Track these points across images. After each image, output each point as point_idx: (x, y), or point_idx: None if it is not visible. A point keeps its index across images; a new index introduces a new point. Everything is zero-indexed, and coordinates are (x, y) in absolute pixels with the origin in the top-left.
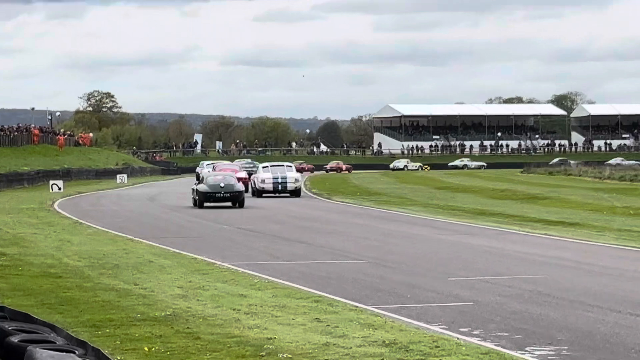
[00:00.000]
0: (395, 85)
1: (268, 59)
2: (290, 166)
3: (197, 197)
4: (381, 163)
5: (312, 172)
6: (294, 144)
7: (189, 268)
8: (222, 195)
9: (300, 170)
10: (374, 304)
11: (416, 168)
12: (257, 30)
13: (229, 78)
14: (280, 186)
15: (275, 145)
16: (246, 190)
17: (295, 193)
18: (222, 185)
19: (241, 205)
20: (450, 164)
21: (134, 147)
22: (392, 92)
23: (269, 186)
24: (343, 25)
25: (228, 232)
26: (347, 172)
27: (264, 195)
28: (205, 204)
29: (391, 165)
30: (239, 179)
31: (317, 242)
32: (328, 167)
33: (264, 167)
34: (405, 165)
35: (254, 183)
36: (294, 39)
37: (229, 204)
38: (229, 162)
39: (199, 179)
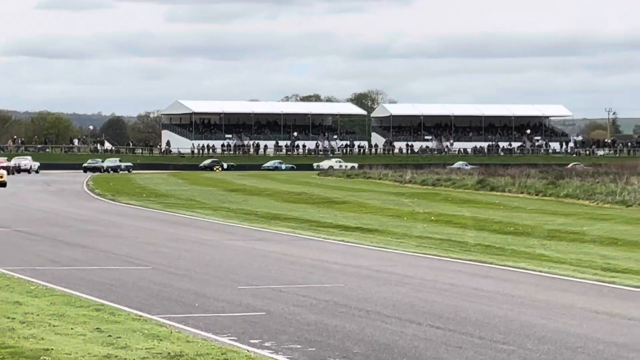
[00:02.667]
0: (187, 80)
1: (52, 49)
2: None
3: None
4: (170, 163)
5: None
6: (76, 141)
7: None
8: None
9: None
10: (159, 313)
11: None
12: (40, 18)
13: (8, 69)
14: None
15: (56, 142)
16: None
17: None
18: None
19: None
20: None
21: None
22: (184, 88)
23: None
24: (134, 14)
25: (4, 234)
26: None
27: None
28: None
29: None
30: None
31: (100, 247)
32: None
33: None
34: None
35: None
36: (80, 29)
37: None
38: None
39: None
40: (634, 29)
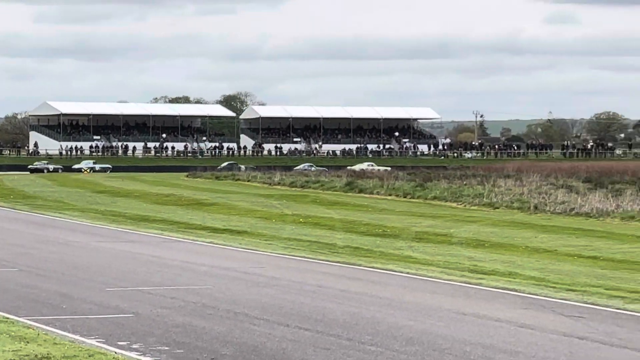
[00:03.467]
0: (56, 81)
1: None
2: None
3: None
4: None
5: None
6: None
7: None
8: None
9: None
10: (26, 315)
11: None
12: None
13: None
14: None
15: None
16: None
17: None
18: None
19: None
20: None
21: None
22: (52, 89)
23: None
24: (1, 15)
25: None
26: None
27: None
28: None
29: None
30: None
31: None
32: None
33: None
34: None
35: None
36: None
37: None
38: None
39: None
40: (502, 32)
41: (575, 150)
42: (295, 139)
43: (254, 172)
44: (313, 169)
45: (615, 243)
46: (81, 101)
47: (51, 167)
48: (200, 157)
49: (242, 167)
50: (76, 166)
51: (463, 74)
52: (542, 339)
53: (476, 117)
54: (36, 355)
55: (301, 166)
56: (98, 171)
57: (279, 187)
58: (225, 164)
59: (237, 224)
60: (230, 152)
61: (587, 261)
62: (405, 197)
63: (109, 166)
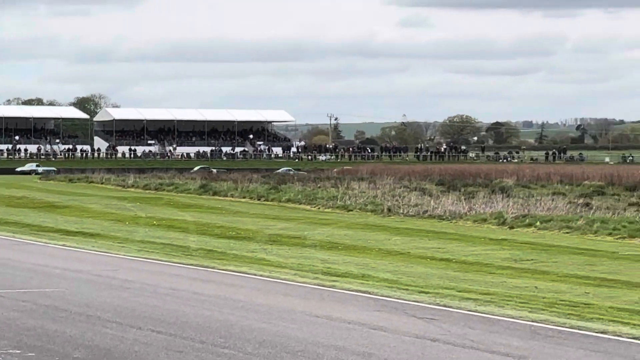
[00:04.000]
0: None
1: None
2: None
3: None
4: None
5: None
6: None
7: None
8: None
9: None
10: None
11: None
12: None
13: None
14: None
15: None
16: None
17: None
18: None
19: None
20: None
21: None
22: None
23: None
24: None
25: None
26: None
27: None
28: None
29: None
30: None
31: None
32: None
33: None
34: None
35: None
36: None
37: None
38: None
39: None
40: (356, 35)
41: (429, 153)
42: (149, 142)
43: (107, 174)
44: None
45: (468, 245)
46: None
47: None
48: (53, 159)
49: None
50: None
51: (318, 77)
52: (394, 341)
53: (330, 120)
54: None
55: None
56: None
57: (132, 189)
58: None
59: (90, 227)
60: (84, 154)
61: (440, 263)
62: (259, 199)
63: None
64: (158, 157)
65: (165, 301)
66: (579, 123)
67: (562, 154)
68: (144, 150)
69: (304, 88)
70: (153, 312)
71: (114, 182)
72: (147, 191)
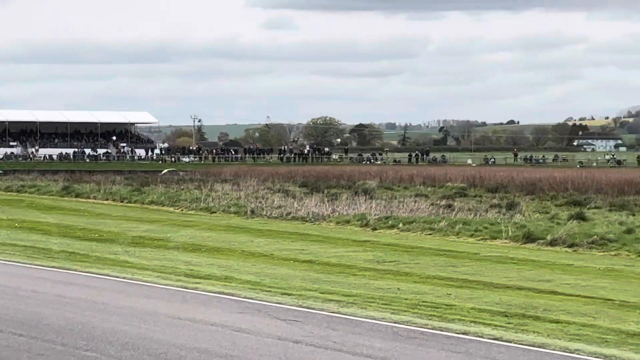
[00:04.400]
0: None
1: None
2: None
3: None
4: None
5: None
6: None
7: None
8: None
9: None
10: None
11: None
12: None
13: None
14: None
15: None
16: None
17: None
18: None
19: None
20: None
21: None
22: None
23: None
24: None
25: None
26: None
27: None
28: None
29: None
30: None
31: None
32: None
33: None
34: None
35: None
36: None
37: None
38: None
39: None
40: (220, 37)
41: (293, 155)
42: (11, 143)
43: None
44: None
45: (331, 247)
46: None
47: None
48: None
49: None
50: None
51: (182, 79)
52: (257, 343)
53: (194, 121)
54: None
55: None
56: None
57: None
58: None
59: None
60: None
61: (303, 265)
62: (122, 201)
63: None
64: (20, 159)
65: (26, 304)
66: (441, 125)
67: (425, 156)
68: (6, 152)
69: (168, 90)
70: (14, 315)
71: None
72: (9, 193)
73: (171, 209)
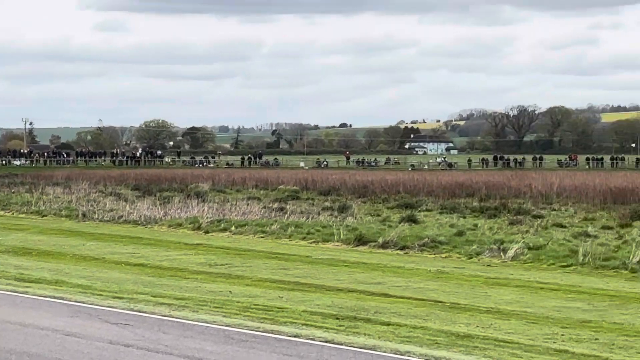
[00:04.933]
0: None
1: None
2: None
3: None
4: None
5: None
6: None
7: None
8: None
9: None
10: None
11: None
12: None
13: None
14: None
15: None
16: None
17: None
18: None
19: None
20: None
21: None
22: None
23: None
24: None
25: None
26: None
27: None
28: None
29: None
30: None
31: None
32: None
33: None
34: None
35: None
36: None
37: None
38: None
39: None
40: (52, 39)
41: (125, 158)
42: None
43: None
44: None
45: (163, 250)
46: None
47: None
48: None
49: None
50: None
51: (13, 81)
52: (88, 347)
53: (25, 124)
54: None
55: None
56: None
57: None
58: None
59: None
60: None
61: (135, 268)
62: None
63: None
64: None
65: None
66: (274, 128)
67: (257, 159)
68: None
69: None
70: None
71: None
72: None
73: (1, 212)
